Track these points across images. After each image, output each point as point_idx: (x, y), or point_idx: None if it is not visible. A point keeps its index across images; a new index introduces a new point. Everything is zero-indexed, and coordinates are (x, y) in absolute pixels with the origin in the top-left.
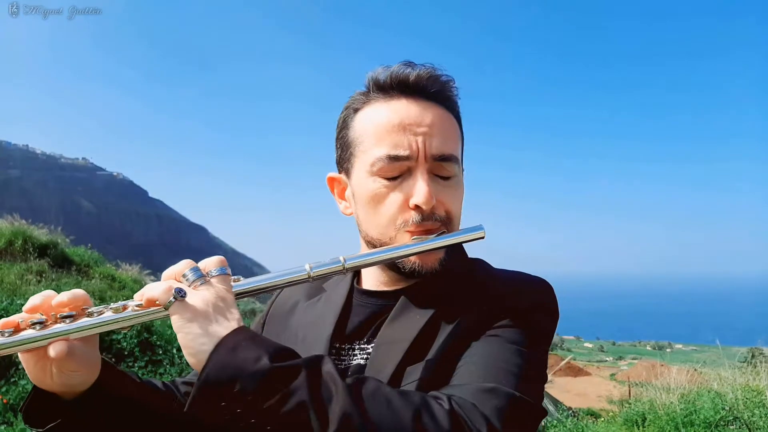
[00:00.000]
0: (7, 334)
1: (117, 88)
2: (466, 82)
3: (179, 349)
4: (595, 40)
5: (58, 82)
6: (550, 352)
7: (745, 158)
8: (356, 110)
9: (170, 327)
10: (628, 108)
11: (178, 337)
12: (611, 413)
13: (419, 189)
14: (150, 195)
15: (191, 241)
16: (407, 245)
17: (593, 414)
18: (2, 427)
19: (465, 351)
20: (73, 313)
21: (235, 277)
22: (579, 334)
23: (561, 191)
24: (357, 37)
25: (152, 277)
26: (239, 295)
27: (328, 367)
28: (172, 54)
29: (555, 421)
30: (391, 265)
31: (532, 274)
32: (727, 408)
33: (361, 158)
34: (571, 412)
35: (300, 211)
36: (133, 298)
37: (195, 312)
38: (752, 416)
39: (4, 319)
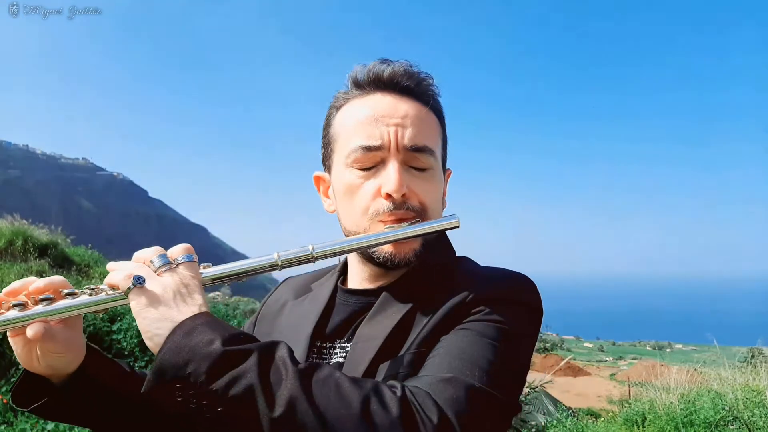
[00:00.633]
0: None
1: (117, 88)
2: (466, 82)
3: None
4: (583, 39)
5: (58, 82)
6: (550, 352)
7: (746, 159)
8: (337, 108)
9: None
10: (631, 105)
11: (137, 321)
12: (611, 413)
13: (389, 177)
14: (150, 195)
15: (191, 241)
16: (377, 234)
17: (593, 414)
18: (2, 427)
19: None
20: (51, 296)
21: (205, 264)
22: (579, 334)
23: (561, 191)
24: (364, 37)
25: None
26: (213, 282)
27: (282, 352)
28: (172, 54)
29: (555, 421)
30: (367, 257)
31: (516, 270)
32: (727, 408)
33: (338, 152)
34: (570, 412)
35: (300, 212)
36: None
37: (154, 298)
38: (752, 416)
39: None
